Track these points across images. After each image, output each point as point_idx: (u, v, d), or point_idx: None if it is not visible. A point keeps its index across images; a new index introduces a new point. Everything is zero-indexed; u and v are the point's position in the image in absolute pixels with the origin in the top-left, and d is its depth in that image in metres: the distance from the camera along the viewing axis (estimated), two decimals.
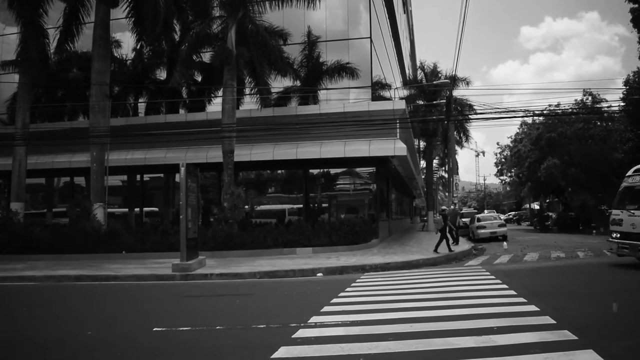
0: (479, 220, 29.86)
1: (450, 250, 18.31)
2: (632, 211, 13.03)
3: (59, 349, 6.52)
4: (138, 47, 25.59)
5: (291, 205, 25.09)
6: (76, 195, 23.11)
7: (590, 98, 33.65)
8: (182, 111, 26.90)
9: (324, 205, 24.76)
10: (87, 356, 6.25)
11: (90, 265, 16.46)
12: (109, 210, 22.02)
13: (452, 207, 26.36)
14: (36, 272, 14.81)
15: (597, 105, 33.43)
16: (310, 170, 24.34)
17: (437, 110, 35.85)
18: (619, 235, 13.39)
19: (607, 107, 33.28)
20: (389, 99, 28.72)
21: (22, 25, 21.71)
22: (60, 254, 18.74)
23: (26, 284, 13.65)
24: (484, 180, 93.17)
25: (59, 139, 22.82)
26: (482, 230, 28.28)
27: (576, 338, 6.00)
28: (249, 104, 24.21)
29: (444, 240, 18.57)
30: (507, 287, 10.14)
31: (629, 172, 14.13)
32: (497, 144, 77.90)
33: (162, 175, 26.43)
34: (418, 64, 42.41)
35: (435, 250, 18.21)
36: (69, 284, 13.65)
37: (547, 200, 59.62)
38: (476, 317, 7.29)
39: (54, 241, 19.23)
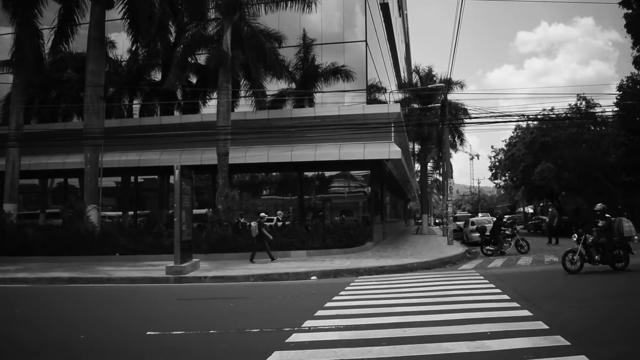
0: (473, 223, 29.92)
1: (251, 261, 17.37)
2: None
3: (50, 353, 6.49)
4: (133, 48, 25.49)
5: (285, 208, 25.08)
6: (70, 196, 23.00)
7: (584, 103, 33.83)
8: (176, 113, 26.84)
9: (318, 207, 24.76)
10: None
11: (83, 268, 16.39)
12: (103, 212, 21.93)
13: (550, 209, 28.69)
14: (29, 274, 14.75)
15: (591, 110, 33.58)
16: (305, 173, 24.33)
17: (432, 114, 35.96)
18: None
19: (601, 111, 33.47)
20: (384, 102, 28.81)
21: (16, 26, 21.63)
22: (53, 255, 18.67)
23: (19, 286, 13.59)
24: (478, 183, 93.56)
25: (53, 140, 22.73)
26: (476, 234, 28.29)
27: (569, 343, 6.01)
28: (244, 107, 24.18)
29: (265, 249, 17.66)
30: (500, 291, 10.16)
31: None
32: (492, 147, 78.05)
33: (156, 177, 26.36)
34: (413, 67, 42.61)
35: (252, 260, 17.45)
36: (61, 286, 13.59)
37: (541, 204, 59.80)
38: (470, 322, 7.30)
39: (47, 243, 19.16)
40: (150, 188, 27.51)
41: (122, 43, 27.30)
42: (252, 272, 14.53)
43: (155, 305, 10.39)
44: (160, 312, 9.54)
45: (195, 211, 18.96)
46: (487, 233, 21.09)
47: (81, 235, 19.10)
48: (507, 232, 20.64)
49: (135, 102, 28.50)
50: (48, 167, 24.67)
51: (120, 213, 26.24)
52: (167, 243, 17.98)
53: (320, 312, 8.52)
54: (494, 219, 24.18)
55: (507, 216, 56.42)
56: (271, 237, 17.75)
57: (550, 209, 29.37)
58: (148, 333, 7.31)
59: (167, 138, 21.96)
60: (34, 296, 11.89)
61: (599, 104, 34.54)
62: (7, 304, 10.81)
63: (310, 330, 7.28)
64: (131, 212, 26.14)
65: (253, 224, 17.86)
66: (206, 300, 10.96)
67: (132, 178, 26.29)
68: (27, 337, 7.31)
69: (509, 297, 9.36)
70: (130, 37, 23.09)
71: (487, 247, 20.26)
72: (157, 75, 27.23)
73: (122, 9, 21.74)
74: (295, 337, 6.79)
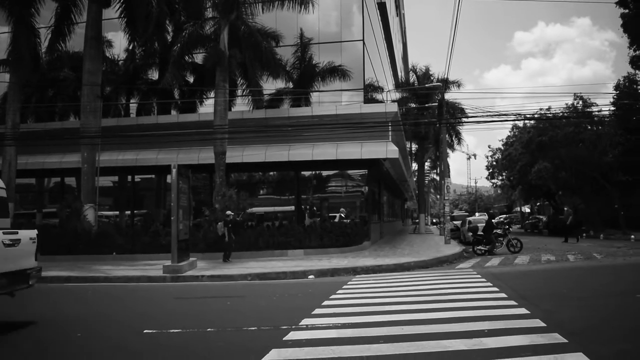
0: (470, 223, 29.94)
1: (226, 259, 17.58)
2: None
3: (46, 352, 6.47)
4: (130, 47, 25.51)
5: (283, 207, 25.05)
6: (67, 196, 22.94)
7: (580, 102, 33.89)
8: (173, 112, 26.79)
9: (315, 207, 24.74)
10: (76, 359, 6.21)
11: (80, 267, 16.37)
12: (100, 211, 21.90)
13: (566, 208, 27.99)
14: None
15: (588, 110, 33.64)
16: (302, 172, 24.32)
17: (429, 113, 35.98)
18: None
19: (598, 111, 33.52)
20: (381, 101, 28.78)
21: (13, 24, 21.54)
22: (50, 255, 18.54)
23: None
24: (475, 183, 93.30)
25: (50, 139, 22.67)
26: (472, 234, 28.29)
27: (566, 341, 6.02)
28: (241, 106, 24.17)
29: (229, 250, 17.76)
30: (497, 290, 10.17)
31: None
32: (489, 147, 78.14)
33: (153, 176, 26.30)
34: (410, 66, 42.57)
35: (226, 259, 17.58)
36: (58, 285, 13.57)
37: (538, 204, 59.93)
38: (467, 320, 7.31)
39: (44, 242, 18.90)
40: (147, 187, 27.44)
41: (119, 42, 27.26)
42: (249, 271, 14.52)
43: (153, 304, 10.38)
44: (157, 310, 9.53)
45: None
46: (479, 232, 21.15)
47: (78, 234, 19.07)
48: (498, 231, 20.70)
49: (132, 101, 28.46)
50: (45, 166, 24.59)
51: (117, 212, 26.18)
52: (164, 242, 17.95)
53: (317, 311, 8.51)
54: None
55: (504, 216, 56.81)
56: (227, 239, 17.61)
57: (565, 208, 29.40)
58: (145, 331, 7.30)
59: (164, 137, 21.94)
60: (31, 295, 11.82)
61: (595, 103, 34.62)
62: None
63: (308, 328, 7.27)
64: (128, 212, 26.05)
65: (219, 223, 17.87)
66: (203, 299, 10.95)
67: (129, 177, 26.23)
68: (23, 336, 7.29)
69: (506, 296, 9.37)
70: (127, 36, 23.06)
71: (479, 247, 20.30)
72: (154, 75, 27.20)
73: (119, 8, 21.69)
74: (293, 335, 6.79)
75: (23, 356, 6.34)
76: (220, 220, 18.26)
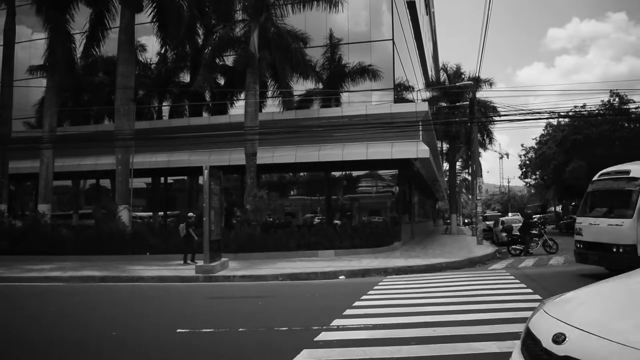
0: (502, 223, 29.51)
1: (185, 262, 17.13)
2: (592, 219, 12.53)
3: (82, 350, 6.60)
4: (162, 51, 25.93)
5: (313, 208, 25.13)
6: (102, 197, 23.47)
7: (617, 99, 33.04)
8: (205, 114, 27.13)
9: (346, 207, 24.72)
10: (111, 357, 6.31)
11: (115, 267, 16.67)
12: (133, 212, 22.27)
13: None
14: (62, 273, 15.07)
15: (625, 107, 32.79)
16: (332, 173, 24.34)
17: (460, 112, 35.57)
18: (581, 245, 12.76)
19: (635, 108, 32.64)
20: (412, 101, 28.59)
21: (49, 31, 22.15)
22: (85, 255, 19.03)
23: (53, 284, 13.87)
24: (508, 182, 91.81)
25: (85, 142, 23.18)
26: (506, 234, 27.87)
27: None
28: (271, 107, 24.33)
29: (186, 251, 17.48)
30: (532, 291, 10.01)
31: (595, 177, 13.59)
32: (522, 145, 76.88)
33: (185, 177, 26.68)
34: (441, 65, 42.17)
35: (186, 262, 17.19)
36: (94, 284, 13.85)
37: (573, 204, 58.64)
38: (500, 322, 7.19)
39: (80, 242, 19.55)
40: (179, 188, 27.85)
41: (151, 46, 27.74)
42: (280, 272, 14.57)
43: (185, 304, 10.51)
44: (190, 310, 9.64)
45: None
46: (514, 232, 20.83)
47: (113, 235, 19.43)
48: (534, 231, 20.34)
49: (164, 104, 28.94)
50: (81, 168, 25.18)
51: (151, 213, 26.62)
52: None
53: (348, 311, 8.49)
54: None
55: (538, 216, 55.76)
56: (197, 238, 17.09)
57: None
58: (178, 330, 7.37)
59: (195, 139, 22.20)
60: (69, 295, 12.12)
61: (633, 100, 33.72)
62: (42, 302, 11.04)
63: (339, 329, 7.26)
64: (161, 213, 26.48)
65: (181, 225, 17.86)
66: (235, 299, 11.03)
67: (162, 179, 26.65)
68: (61, 334, 7.47)
69: (540, 297, 9.18)
70: (159, 40, 23.50)
71: (514, 247, 20.00)
72: (185, 77, 27.60)
73: (151, 12, 22.08)
74: (324, 336, 6.78)
75: (60, 354, 6.48)
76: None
